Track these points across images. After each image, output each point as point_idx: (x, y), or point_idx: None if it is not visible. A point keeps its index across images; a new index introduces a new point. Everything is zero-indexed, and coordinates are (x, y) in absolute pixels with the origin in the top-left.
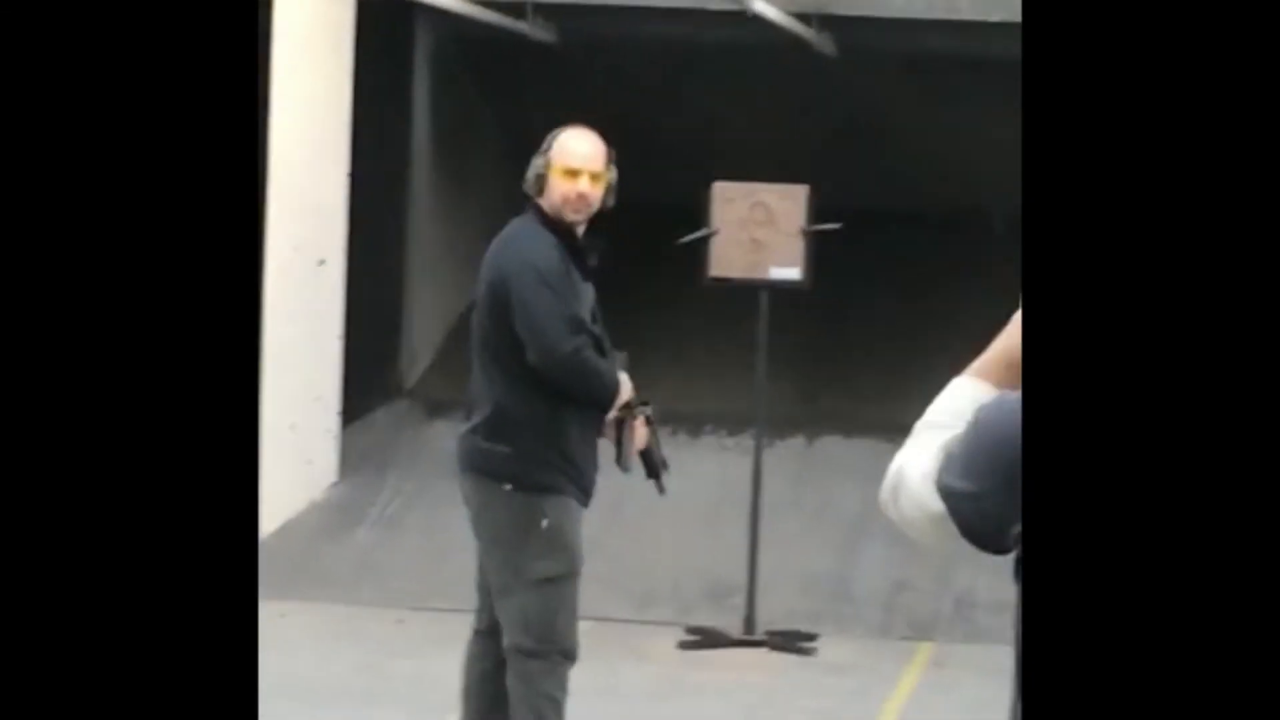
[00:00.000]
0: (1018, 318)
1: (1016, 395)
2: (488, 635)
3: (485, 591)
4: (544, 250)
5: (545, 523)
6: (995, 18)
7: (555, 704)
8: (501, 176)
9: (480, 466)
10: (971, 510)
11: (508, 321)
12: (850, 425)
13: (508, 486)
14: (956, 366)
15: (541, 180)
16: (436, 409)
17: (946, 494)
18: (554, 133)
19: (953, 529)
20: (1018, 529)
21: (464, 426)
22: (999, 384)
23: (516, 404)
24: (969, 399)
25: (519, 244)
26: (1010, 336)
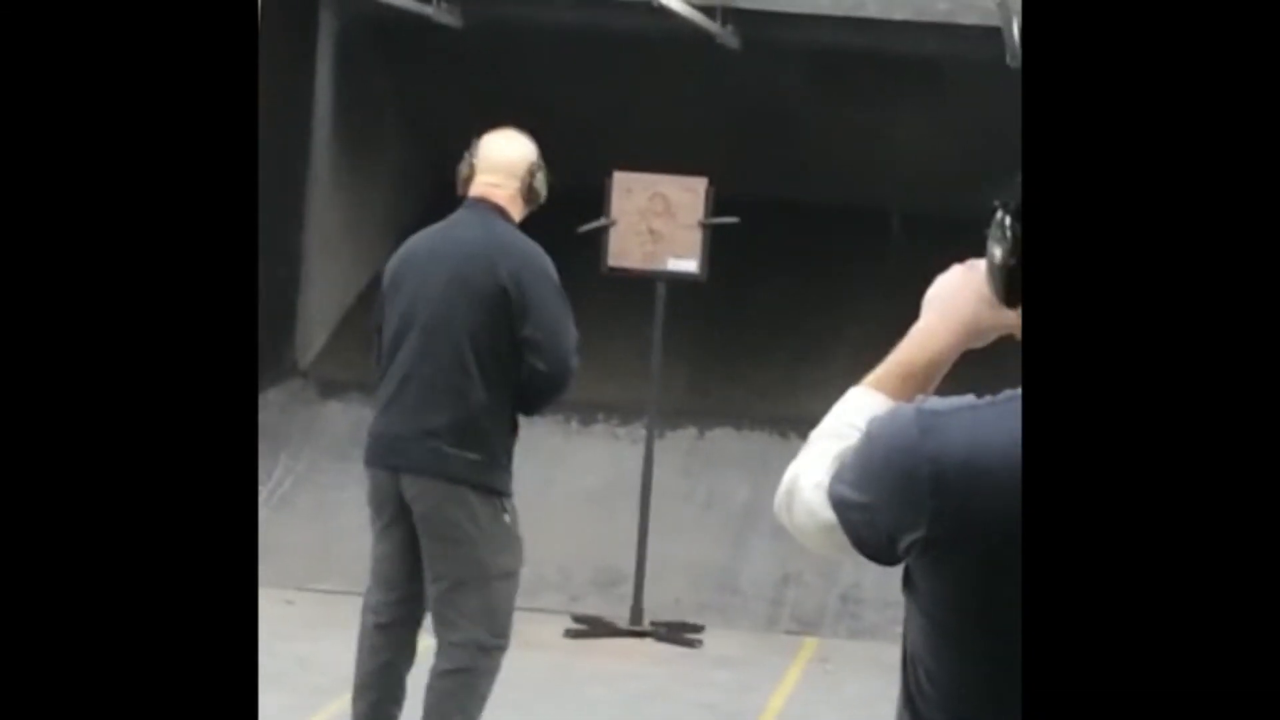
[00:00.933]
0: (915, 329)
1: (910, 407)
2: (390, 628)
3: (392, 586)
4: (548, 261)
5: (507, 519)
6: (899, 16)
7: (483, 705)
8: (403, 160)
9: (442, 471)
10: (862, 521)
11: (514, 326)
12: (741, 418)
13: (472, 489)
14: (848, 363)
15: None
16: (330, 389)
17: (837, 504)
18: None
19: (843, 538)
20: (907, 540)
21: (406, 424)
22: (894, 395)
23: (492, 410)
24: (864, 410)
25: (527, 250)
26: (906, 349)
